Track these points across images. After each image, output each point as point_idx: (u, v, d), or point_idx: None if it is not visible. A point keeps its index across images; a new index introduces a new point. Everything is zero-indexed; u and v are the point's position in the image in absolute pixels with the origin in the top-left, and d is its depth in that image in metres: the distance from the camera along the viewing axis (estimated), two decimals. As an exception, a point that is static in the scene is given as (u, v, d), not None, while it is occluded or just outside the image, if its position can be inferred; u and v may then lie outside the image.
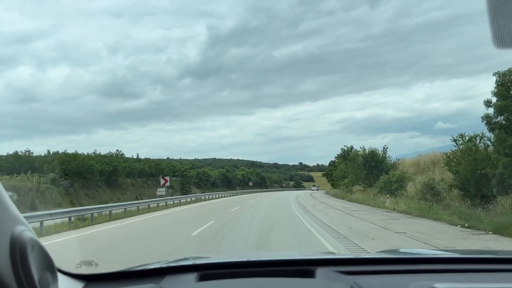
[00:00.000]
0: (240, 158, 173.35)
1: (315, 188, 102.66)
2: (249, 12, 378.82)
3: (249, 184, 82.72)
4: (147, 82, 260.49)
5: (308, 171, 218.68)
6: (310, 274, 1.57)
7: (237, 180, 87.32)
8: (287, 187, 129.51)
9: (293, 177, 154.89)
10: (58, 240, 12.82)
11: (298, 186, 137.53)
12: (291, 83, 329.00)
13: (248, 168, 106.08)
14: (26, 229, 0.92)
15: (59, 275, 1.15)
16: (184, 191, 58.94)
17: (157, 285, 1.47)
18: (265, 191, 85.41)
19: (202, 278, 1.56)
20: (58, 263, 1.09)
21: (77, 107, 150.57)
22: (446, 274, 1.60)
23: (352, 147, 63.60)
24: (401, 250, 2.65)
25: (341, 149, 67.61)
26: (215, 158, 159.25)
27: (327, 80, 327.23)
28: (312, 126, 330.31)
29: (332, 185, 74.85)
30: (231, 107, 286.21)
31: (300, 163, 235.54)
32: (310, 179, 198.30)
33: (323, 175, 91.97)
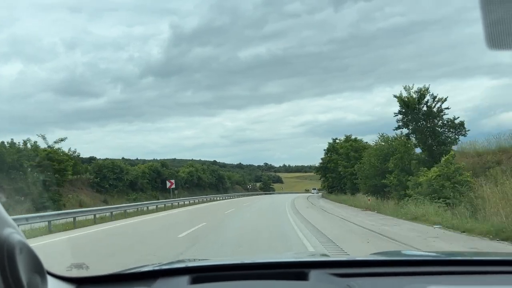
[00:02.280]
0: (203, 159, 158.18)
1: (315, 191, 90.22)
2: (213, 12, 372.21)
3: (168, 186, 44.29)
4: (107, 81, 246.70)
5: (275, 171, 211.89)
6: (303, 277, 1.55)
7: (179, 181, 57.86)
8: (254, 190, 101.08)
9: (260, 177, 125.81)
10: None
11: (267, 188, 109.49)
12: (256, 85, 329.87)
13: (202, 165, 76.34)
14: (14, 231, 0.91)
15: (49, 278, 1.15)
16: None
17: None
18: (215, 199, 56.66)
19: (194, 281, 1.53)
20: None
21: (31, 106, 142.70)
22: (440, 276, 1.58)
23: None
24: (395, 252, 3.07)
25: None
26: (175, 159, 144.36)
27: (291, 83, 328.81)
28: (276, 128, 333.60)
29: (330, 187, 58.80)
30: (195, 108, 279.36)
31: (266, 164, 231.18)
32: (278, 180, 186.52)
33: (317, 173, 72.29)
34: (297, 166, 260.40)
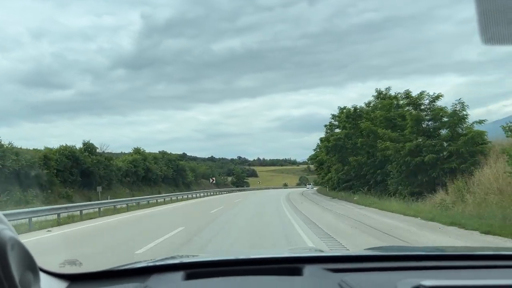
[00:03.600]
0: (173, 153, 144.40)
1: (309, 186, 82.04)
2: (186, 3, 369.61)
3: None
4: (75, 72, 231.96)
5: (249, 165, 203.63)
6: (298, 272, 1.55)
7: (112, 174, 39.21)
8: (224, 186, 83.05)
9: (232, 171, 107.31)
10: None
11: (240, 183, 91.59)
12: (230, 78, 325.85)
13: (157, 153, 57.69)
14: (5, 227, 0.90)
15: (42, 274, 1.14)
16: None
17: (142, 284, 1.43)
18: (162, 201, 34.51)
19: (189, 277, 1.53)
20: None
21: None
22: (434, 271, 1.59)
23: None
24: (389, 247, 3.05)
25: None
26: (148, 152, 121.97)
27: (265, 77, 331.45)
28: (251, 123, 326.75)
29: (340, 182, 37.38)
30: (167, 101, 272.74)
31: (239, 157, 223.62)
32: (253, 174, 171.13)
33: (315, 163, 55.83)
34: (272, 159, 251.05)
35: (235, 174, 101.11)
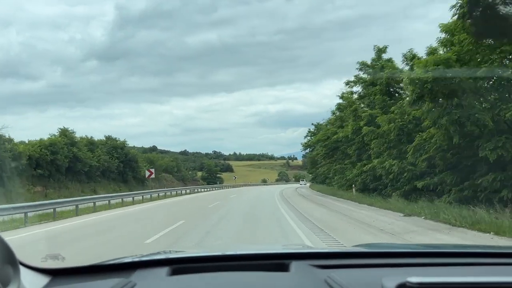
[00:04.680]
0: (146, 147, 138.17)
1: (303, 183, 79.45)
2: None
3: None
4: (45, 62, 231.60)
5: (224, 160, 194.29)
6: (284, 268, 1.55)
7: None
8: (192, 183, 68.63)
9: (204, 166, 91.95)
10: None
11: (212, 179, 77.28)
12: (206, 72, 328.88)
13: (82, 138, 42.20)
14: None
15: (22, 269, 1.12)
16: None
17: (126, 279, 1.39)
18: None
19: (174, 272, 1.51)
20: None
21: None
22: (420, 268, 1.59)
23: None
24: (377, 244, 3.06)
25: None
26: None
27: (242, 72, 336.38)
28: (227, 118, 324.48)
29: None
30: (141, 95, 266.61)
31: (215, 151, 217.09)
32: (228, 169, 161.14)
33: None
34: (249, 154, 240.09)
35: (206, 168, 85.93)
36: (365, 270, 1.55)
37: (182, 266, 1.57)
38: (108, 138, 47.94)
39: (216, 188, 56.05)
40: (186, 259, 1.74)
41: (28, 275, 1.26)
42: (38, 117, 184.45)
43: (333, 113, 32.62)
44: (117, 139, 48.94)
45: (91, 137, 44.12)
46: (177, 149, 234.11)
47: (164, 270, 1.50)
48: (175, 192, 38.72)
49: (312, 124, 59.38)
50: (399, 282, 1.15)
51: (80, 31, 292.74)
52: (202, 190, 50.46)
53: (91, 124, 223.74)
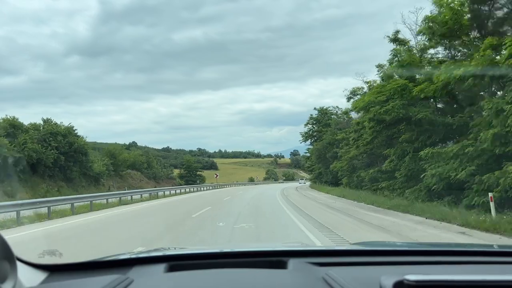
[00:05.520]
0: (127, 143, 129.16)
1: (302, 181, 77.32)
2: None
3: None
4: (27, 57, 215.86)
5: (209, 157, 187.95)
6: (282, 265, 1.55)
7: None
8: (166, 182, 57.11)
9: (183, 163, 78.79)
10: None
11: (191, 177, 65.84)
12: (191, 70, 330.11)
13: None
14: None
15: (20, 264, 1.13)
16: None
17: (124, 276, 1.38)
18: None
19: (171, 269, 1.51)
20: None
21: None
22: (418, 266, 1.59)
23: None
24: (374, 242, 3.03)
25: None
26: (96, 142, 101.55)
27: (228, 70, 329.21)
28: (213, 116, 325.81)
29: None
30: (125, 91, 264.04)
31: (199, 149, 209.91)
32: (213, 167, 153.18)
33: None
34: (235, 152, 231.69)
35: (184, 165, 73.14)
36: (363, 268, 1.54)
37: (179, 263, 1.57)
38: (46, 121, 35.69)
39: (193, 190, 44.09)
40: (183, 256, 1.73)
41: (25, 271, 1.26)
42: (19, 113, 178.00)
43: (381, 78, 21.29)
44: (60, 123, 36.67)
45: (14, 117, 31.70)
46: (160, 146, 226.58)
47: (162, 267, 1.49)
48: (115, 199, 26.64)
49: (315, 108, 48.31)
50: (397, 279, 1.14)
51: (63, 26, 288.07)
52: (171, 192, 38.47)
53: (74, 121, 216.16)
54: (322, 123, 43.51)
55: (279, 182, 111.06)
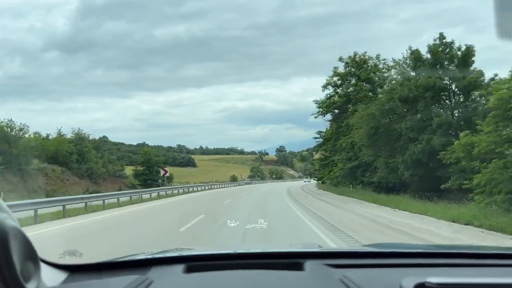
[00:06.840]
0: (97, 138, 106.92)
1: (307, 180, 77.45)
2: None
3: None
4: (2, 52, 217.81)
5: (188, 153, 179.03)
6: (298, 267, 1.55)
7: None
8: (110, 182, 38.52)
9: (150, 160, 58.52)
10: None
11: (152, 176, 47.39)
12: (174, 66, 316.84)
13: None
14: (7, 216, 0.90)
15: (42, 265, 1.15)
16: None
17: (143, 276, 1.40)
18: None
19: (189, 270, 1.52)
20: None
21: None
22: (438, 269, 1.57)
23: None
24: (390, 244, 2.94)
25: None
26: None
27: (211, 67, 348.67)
28: (196, 113, 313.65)
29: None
30: (107, 88, 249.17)
31: (179, 145, 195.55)
32: (190, 163, 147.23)
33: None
34: (217, 148, 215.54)
35: (143, 162, 53.86)
36: (381, 270, 1.53)
37: (196, 264, 1.58)
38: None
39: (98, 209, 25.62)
40: (199, 256, 1.75)
41: (47, 271, 1.28)
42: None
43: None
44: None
45: None
46: (136, 142, 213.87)
47: (180, 268, 1.51)
48: None
49: (340, 59, 30.81)
50: (418, 282, 1.13)
51: (41, 20, 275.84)
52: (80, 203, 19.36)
53: (55, 118, 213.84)
54: (361, 78, 26.65)
55: (265, 181, 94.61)
